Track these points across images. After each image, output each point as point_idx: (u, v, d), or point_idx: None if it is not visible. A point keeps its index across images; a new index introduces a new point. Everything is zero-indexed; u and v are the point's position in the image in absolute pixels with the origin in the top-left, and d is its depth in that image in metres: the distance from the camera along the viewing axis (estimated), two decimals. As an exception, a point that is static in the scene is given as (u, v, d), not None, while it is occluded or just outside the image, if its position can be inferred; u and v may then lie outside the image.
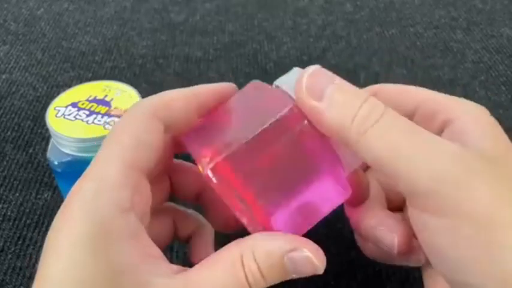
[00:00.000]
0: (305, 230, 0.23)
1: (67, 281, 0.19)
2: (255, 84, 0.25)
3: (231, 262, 0.20)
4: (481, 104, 0.23)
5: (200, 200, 0.28)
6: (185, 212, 0.28)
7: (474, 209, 0.19)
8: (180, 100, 0.24)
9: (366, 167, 0.28)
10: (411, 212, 0.22)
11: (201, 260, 0.24)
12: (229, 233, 0.27)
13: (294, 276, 0.21)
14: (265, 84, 0.25)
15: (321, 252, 0.21)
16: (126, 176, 0.21)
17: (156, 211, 0.26)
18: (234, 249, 0.21)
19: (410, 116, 0.25)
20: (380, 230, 0.26)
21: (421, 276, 0.32)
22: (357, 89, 0.21)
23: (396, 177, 0.20)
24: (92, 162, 0.22)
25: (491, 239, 0.19)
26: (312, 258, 0.21)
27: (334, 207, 0.24)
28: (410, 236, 0.25)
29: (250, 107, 0.24)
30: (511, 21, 0.57)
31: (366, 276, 0.32)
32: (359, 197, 0.27)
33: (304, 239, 0.21)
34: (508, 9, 0.60)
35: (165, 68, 0.50)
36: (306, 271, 0.21)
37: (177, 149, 0.26)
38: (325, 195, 0.23)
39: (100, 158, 0.22)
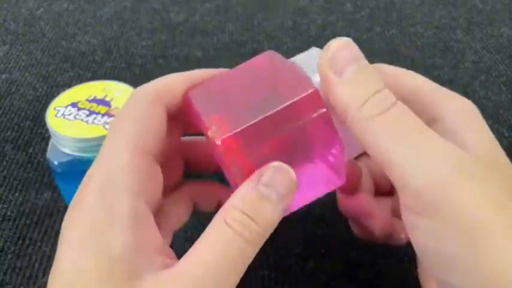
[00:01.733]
0: (293, 210, 0.22)
1: (73, 270, 0.19)
2: (270, 55, 0.24)
3: (215, 231, 0.20)
4: (481, 104, 0.23)
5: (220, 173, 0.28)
6: (204, 187, 0.28)
7: (463, 213, 0.19)
8: (179, 84, 0.24)
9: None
10: (402, 207, 0.21)
11: None
12: None
13: (282, 206, 0.20)
14: (282, 58, 0.24)
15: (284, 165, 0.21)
16: (134, 161, 0.21)
17: (171, 190, 0.26)
18: (215, 219, 0.20)
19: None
20: (362, 216, 0.28)
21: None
22: (378, 76, 0.21)
23: (390, 170, 0.20)
24: (100, 153, 0.22)
25: (477, 243, 0.19)
26: (280, 166, 0.20)
27: (326, 193, 0.23)
28: (389, 222, 0.28)
29: (264, 79, 0.23)
30: (511, 21, 0.57)
31: (366, 276, 0.32)
32: (352, 187, 0.29)
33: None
34: (508, 9, 0.59)
35: (165, 68, 0.50)
36: (284, 185, 0.20)
37: (186, 130, 0.26)
38: (319, 180, 0.23)
39: (106, 147, 0.22)
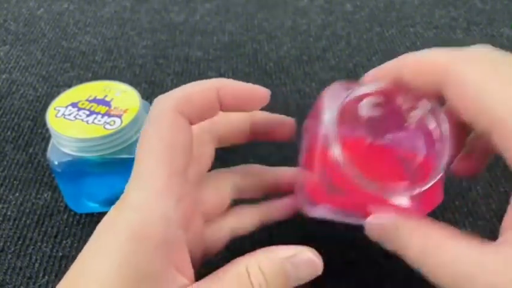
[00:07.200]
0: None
1: (106, 279, 0.20)
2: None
3: (237, 274, 0.22)
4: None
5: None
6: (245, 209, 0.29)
7: None
8: (199, 93, 0.24)
9: None
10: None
11: None
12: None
13: (295, 283, 0.23)
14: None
15: (318, 254, 0.24)
16: (170, 185, 0.22)
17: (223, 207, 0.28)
18: (239, 262, 0.22)
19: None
20: None
21: (421, 277, 0.31)
22: None
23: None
24: (137, 169, 0.23)
25: None
26: (313, 258, 0.24)
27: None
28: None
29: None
30: (511, 21, 0.57)
31: (366, 276, 0.32)
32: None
33: (302, 246, 0.24)
34: (508, 9, 0.59)
35: (165, 68, 0.50)
36: (307, 273, 0.23)
37: (219, 142, 0.28)
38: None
39: (143, 165, 0.23)
